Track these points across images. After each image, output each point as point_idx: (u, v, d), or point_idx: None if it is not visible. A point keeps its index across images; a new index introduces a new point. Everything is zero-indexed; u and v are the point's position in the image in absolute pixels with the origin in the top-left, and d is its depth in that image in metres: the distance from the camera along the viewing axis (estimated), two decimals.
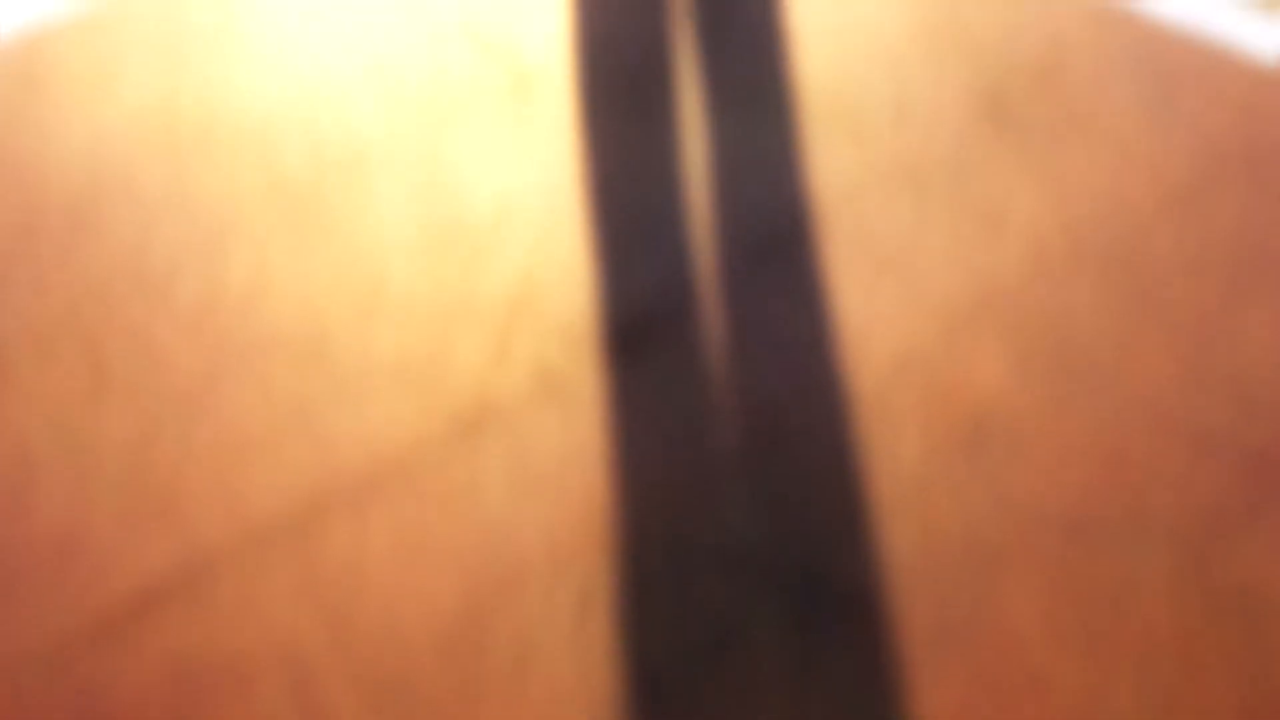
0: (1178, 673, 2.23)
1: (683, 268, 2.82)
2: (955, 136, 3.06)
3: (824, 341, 2.71)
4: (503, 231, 2.89)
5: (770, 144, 3.05)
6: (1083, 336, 2.72)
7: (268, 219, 2.89)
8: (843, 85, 3.15)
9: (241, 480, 2.48)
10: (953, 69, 3.19)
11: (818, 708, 2.19)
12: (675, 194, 2.95)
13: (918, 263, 2.84)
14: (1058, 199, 2.95)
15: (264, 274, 2.80)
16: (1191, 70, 3.18)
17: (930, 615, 2.31)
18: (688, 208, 2.93)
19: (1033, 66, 3.19)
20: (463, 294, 2.78)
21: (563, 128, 3.05)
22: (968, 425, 2.58)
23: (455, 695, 2.21)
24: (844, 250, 2.86)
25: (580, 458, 2.52)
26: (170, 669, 2.23)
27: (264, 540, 2.40)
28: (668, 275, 2.81)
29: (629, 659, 2.26)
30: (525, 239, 2.87)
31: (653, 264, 2.83)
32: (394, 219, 2.90)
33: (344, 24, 3.25)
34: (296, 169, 2.98)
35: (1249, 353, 2.69)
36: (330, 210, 2.91)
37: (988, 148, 3.04)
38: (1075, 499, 2.47)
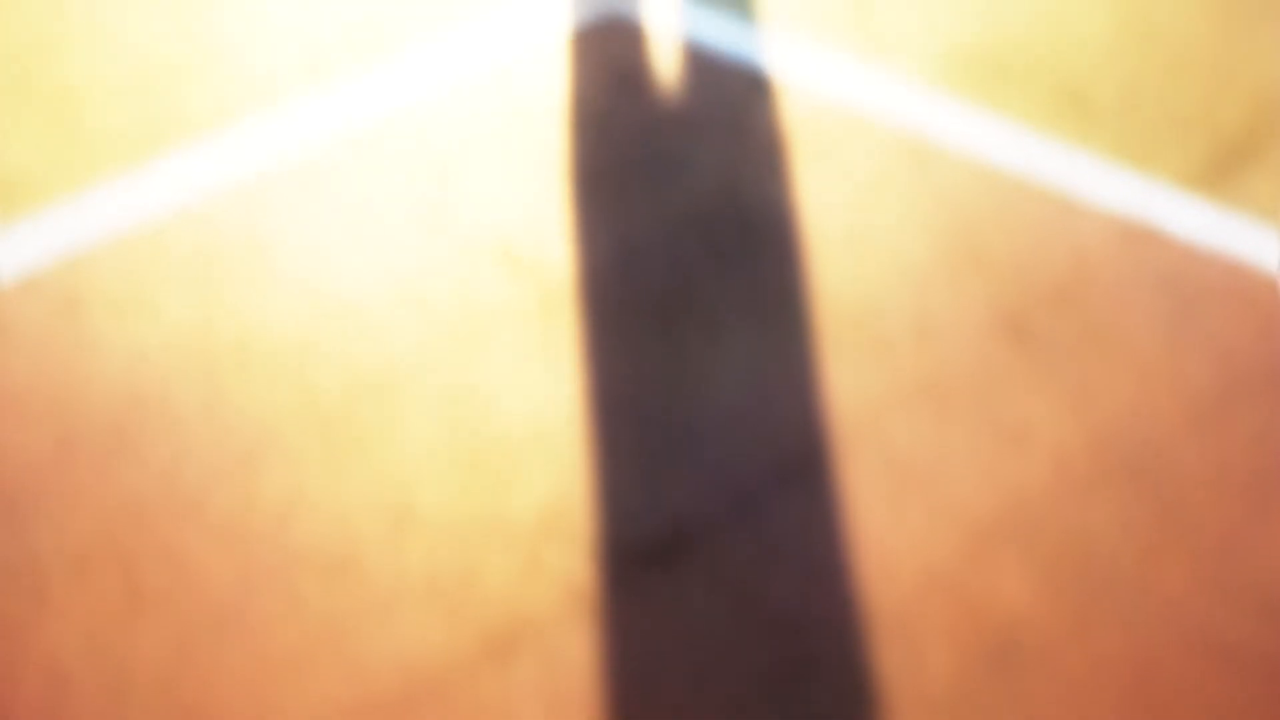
0: None
1: (709, 485, 2.86)
2: (977, 352, 3.11)
3: (849, 560, 2.74)
4: (532, 448, 2.93)
5: (793, 359, 3.09)
6: (1107, 551, 2.75)
7: (300, 437, 2.94)
8: (863, 300, 3.21)
9: (273, 699, 2.50)
10: (973, 284, 3.25)
11: None
12: (701, 411, 3.00)
13: (941, 479, 2.87)
14: (1080, 414, 2.99)
15: (296, 491, 2.84)
16: (1211, 285, 3.24)
17: None
18: (713, 425, 2.97)
19: (1053, 282, 3.25)
20: (493, 511, 2.81)
21: (590, 344, 3.10)
22: (995, 642, 2.59)
23: None
24: (867, 467, 2.89)
25: (610, 676, 2.53)
26: None
27: None
28: (695, 493, 2.85)
29: None
30: (554, 456, 2.91)
31: (680, 482, 2.87)
32: (424, 437, 2.94)
33: (374, 244, 3.32)
34: (329, 387, 3.03)
35: (1274, 566, 2.71)
36: (361, 428, 2.96)
37: (1009, 363, 3.09)
38: (1104, 717, 2.48)
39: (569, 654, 2.57)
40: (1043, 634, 2.61)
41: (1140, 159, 3.55)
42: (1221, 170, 3.51)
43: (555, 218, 3.39)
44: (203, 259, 3.28)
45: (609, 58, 3.80)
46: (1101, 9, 3.96)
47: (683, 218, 3.40)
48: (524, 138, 3.59)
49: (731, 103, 3.68)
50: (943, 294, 3.23)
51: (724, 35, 3.87)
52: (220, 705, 2.49)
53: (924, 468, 2.89)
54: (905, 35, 3.88)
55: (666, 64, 3.80)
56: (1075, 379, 3.05)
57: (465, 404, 3.01)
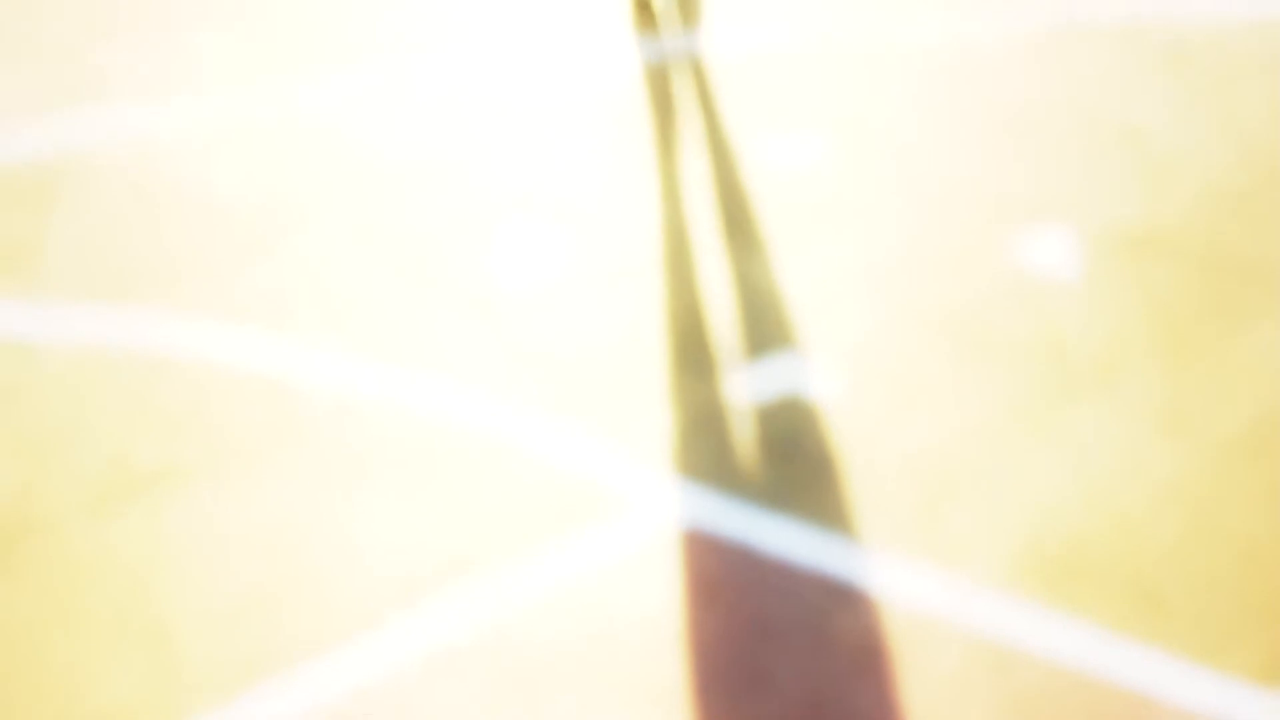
0: None
1: None
2: None
3: None
4: None
5: None
6: None
7: None
8: None
9: None
10: None
11: None
12: None
13: None
14: None
15: None
16: None
17: None
18: None
19: None
20: None
21: None
22: None
23: None
24: None
25: None
26: None
27: None
28: None
29: None
30: None
31: None
32: None
33: None
34: None
35: None
36: None
37: None
38: None
39: None
40: None
41: (1215, 656, 3.59)
42: None
43: None
44: None
45: (690, 569, 3.91)
46: (1166, 505, 4.06)
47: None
48: (608, 653, 3.67)
49: (811, 611, 3.77)
50: None
51: (800, 544, 3.97)
52: None
53: None
54: (975, 538, 3.98)
55: (746, 574, 3.90)
56: None
57: None
